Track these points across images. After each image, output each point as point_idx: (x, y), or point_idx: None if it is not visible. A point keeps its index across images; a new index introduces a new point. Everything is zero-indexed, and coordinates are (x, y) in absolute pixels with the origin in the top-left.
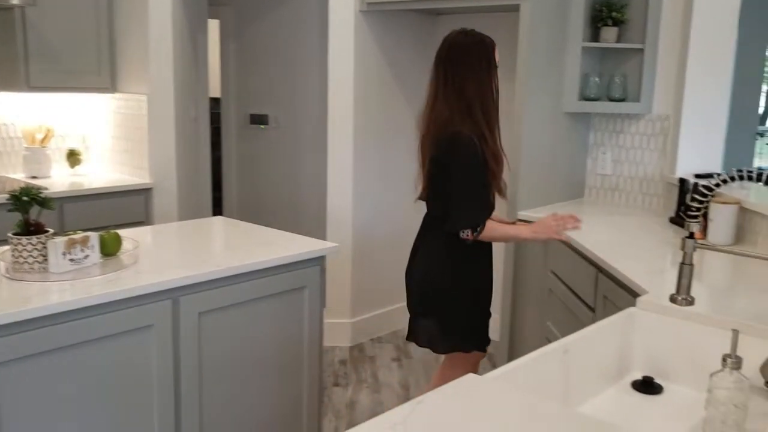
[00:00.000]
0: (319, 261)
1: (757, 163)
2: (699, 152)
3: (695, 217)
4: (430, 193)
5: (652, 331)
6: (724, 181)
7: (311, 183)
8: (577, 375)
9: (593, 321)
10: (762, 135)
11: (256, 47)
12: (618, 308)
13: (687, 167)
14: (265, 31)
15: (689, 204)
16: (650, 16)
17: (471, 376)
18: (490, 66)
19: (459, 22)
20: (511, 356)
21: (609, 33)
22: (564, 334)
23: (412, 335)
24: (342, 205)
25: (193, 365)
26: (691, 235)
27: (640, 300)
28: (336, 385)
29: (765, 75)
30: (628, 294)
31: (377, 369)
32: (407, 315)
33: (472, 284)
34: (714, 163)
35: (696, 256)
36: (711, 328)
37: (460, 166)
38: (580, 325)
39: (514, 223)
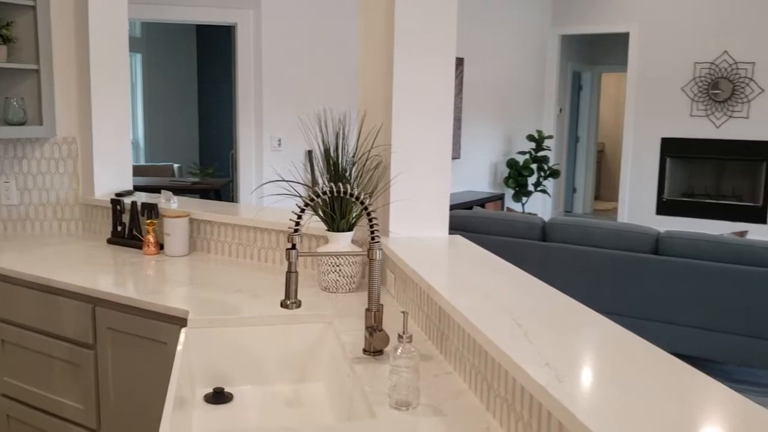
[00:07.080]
0: None
1: None
2: (115, 171)
3: (297, 230)
4: None
5: (208, 345)
6: (307, 204)
7: None
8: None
9: (95, 358)
10: None
11: None
12: (126, 333)
13: (105, 188)
14: None
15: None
16: (41, 34)
17: None
18: None
19: None
20: None
21: None
22: (53, 387)
23: None
24: None
25: None
26: (293, 246)
27: (191, 319)
28: None
29: None
30: (142, 317)
31: None
32: None
33: None
34: (127, 181)
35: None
36: (257, 328)
37: None
38: (78, 369)
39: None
